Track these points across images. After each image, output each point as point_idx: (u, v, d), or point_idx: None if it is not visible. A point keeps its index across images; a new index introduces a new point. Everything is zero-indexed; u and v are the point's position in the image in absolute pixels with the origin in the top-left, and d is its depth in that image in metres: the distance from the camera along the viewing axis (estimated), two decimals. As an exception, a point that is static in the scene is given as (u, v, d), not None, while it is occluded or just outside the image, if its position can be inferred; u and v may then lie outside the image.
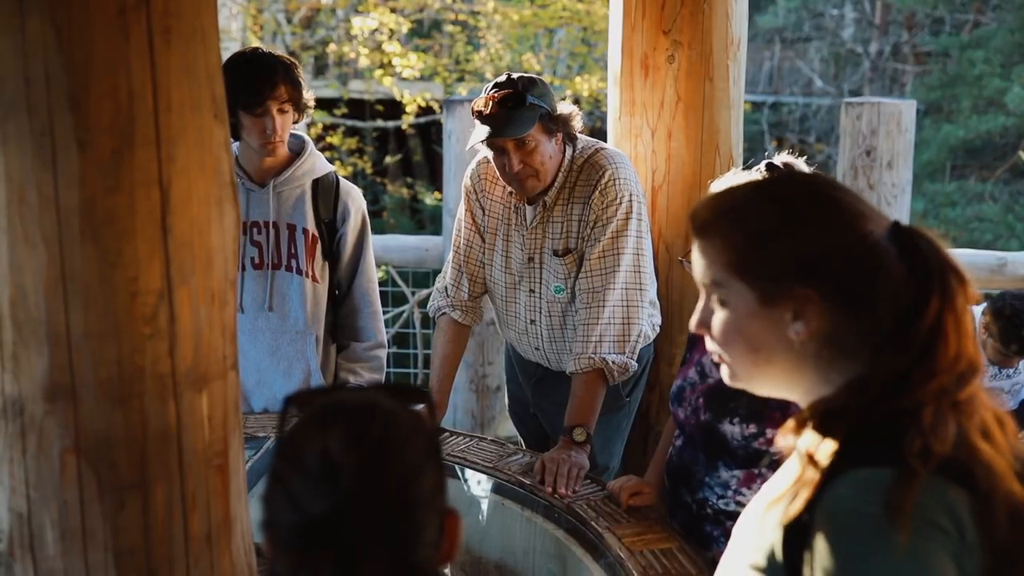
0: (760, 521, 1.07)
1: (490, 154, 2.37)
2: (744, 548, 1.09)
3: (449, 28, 10.26)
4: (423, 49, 10.30)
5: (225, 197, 1.38)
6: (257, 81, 2.34)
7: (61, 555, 1.30)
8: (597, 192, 2.35)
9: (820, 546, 0.99)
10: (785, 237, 1.05)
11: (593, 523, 1.95)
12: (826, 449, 1.02)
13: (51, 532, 1.29)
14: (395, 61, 8.90)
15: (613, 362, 2.32)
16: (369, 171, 9.92)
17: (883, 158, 4.08)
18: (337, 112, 8.87)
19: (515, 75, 2.32)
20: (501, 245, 2.52)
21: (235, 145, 2.50)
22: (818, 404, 1.06)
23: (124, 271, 1.25)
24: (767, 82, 16.39)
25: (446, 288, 2.61)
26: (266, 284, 2.50)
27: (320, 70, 10.99)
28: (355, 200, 2.56)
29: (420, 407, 1.00)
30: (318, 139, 8.99)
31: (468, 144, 2.36)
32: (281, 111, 2.39)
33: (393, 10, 9.38)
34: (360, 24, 8.89)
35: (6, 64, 1.18)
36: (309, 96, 2.46)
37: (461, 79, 9.72)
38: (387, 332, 5.10)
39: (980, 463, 0.99)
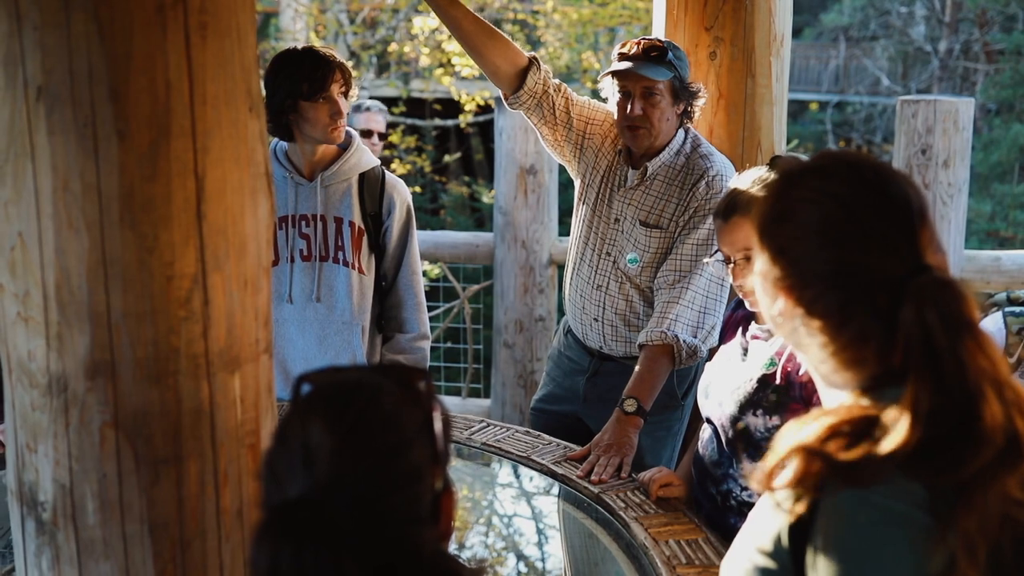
0: (769, 506, 1.09)
1: (616, 98, 2.46)
2: (754, 530, 1.11)
3: (508, 27, 10.30)
4: (483, 48, 10.34)
5: (259, 187, 1.43)
6: (318, 69, 2.44)
7: (100, 525, 1.36)
8: (704, 182, 2.44)
9: (824, 531, 1.00)
10: (782, 222, 1.10)
11: (621, 513, 1.97)
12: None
13: (91, 503, 1.36)
14: (454, 60, 8.97)
15: (684, 341, 2.36)
16: (428, 169, 10.01)
17: (939, 157, 4.01)
18: (395, 111, 8.97)
19: (663, 39, 2.47)
20: (596, 203, 2.59)
21: (283, 144, 2.57)
22: (844, 423, 1.03)
23: (160, 256, 1.31)
24: (832, 81, 16.14)
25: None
26: (314, 276, 2.57)
27: (382, 69, 11.12)
28: (400, 193, 2.62)
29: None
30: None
31: (602, 73, 2.49)
32: (340, 95, 2.48)
33: (454, 10, 9.43)
34: (420, 24, 8.99)
35: (52, 58, 1.25)
36: (354, 91, 2.53)
37: (519, 78, 9.74)
38: (438, 327, 5.17)
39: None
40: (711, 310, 2.44)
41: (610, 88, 2.48)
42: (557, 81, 2.61)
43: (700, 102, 2.50)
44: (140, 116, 1.27)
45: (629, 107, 2.43)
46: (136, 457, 1.35)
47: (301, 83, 2.40)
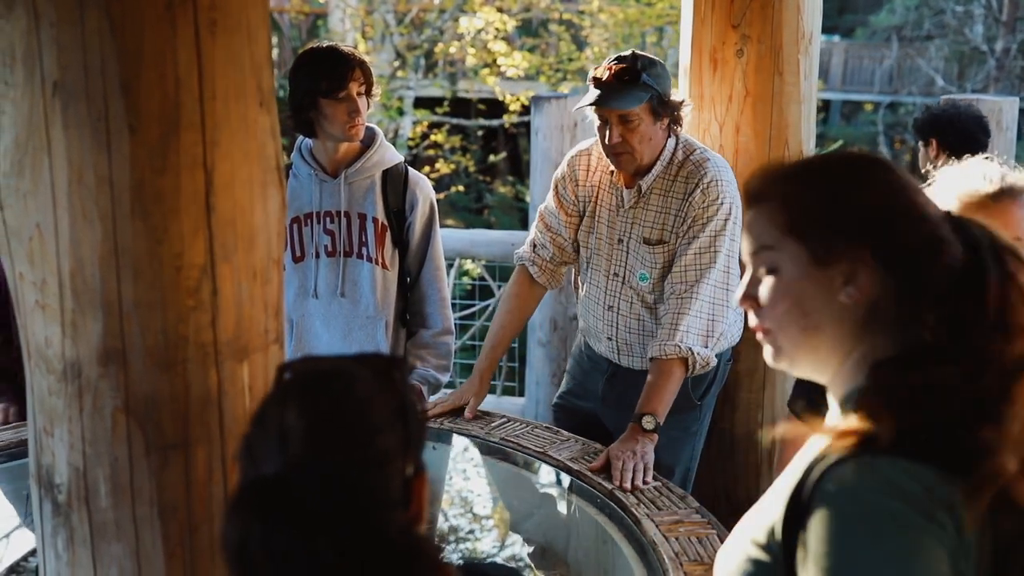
0: (767, 498, 1.09)
1: (596, 122, 2.44)
2: (750, 523, 1.11)
3: (554, 27, 10.32)
4: (530, 48, 10.39)
5: (270, 181, 1.46)
6: (338, 67, 2.47)
7: (112, 508, 1.40)
8: (699, 190, 2.40)
9: (815, 527, 1.00)
10: (844, 195, 1.07)
11: (633, 509, 1.97)
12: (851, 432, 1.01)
13: (103, 486, 1.40)
14: (500, 60, 9.01)
15: (698, 353, 2.35)
16: (472, 169, 10.06)
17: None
18: (440, 111, 9.03)
19: (638, 53, 2.41)
20: (596, 227, 2.58)
21: (308, 141, 2.62)
22: (866, 391, 1.04)
23: (170, 246, 1.34)
24: (886, 82, 15.89)
25: (533, 243, 2.69)
26: (338, 271, 2.60)
27: (428, 69, 11.20)
28: (423, 189, 2.65)
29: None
30: (422, 137, 9.17)
31: (576, 106, 2.45)
32: (360, 94, 2.50)
33: (500, 10, 9.49)
34: (466, 24, 9.04)
35: (68, 55, 1.29)
36: (377, 90, 2.57)
37: (564, 78, 9.77)
38: (474, 325, 5.20)
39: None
40: (719, 317, 2.42)
41: (589, 112, 2.43)
42: (540, 237, 2.66)
43: (686, 110, 2.44)
44: (150, 110, 1.31)
45: (608, 135, 2.39)
46: (146, 442, 1.38)
47: (320, 80, 2.43)
